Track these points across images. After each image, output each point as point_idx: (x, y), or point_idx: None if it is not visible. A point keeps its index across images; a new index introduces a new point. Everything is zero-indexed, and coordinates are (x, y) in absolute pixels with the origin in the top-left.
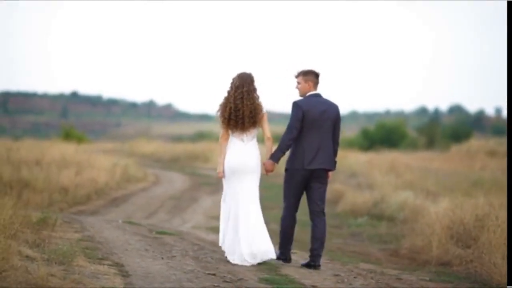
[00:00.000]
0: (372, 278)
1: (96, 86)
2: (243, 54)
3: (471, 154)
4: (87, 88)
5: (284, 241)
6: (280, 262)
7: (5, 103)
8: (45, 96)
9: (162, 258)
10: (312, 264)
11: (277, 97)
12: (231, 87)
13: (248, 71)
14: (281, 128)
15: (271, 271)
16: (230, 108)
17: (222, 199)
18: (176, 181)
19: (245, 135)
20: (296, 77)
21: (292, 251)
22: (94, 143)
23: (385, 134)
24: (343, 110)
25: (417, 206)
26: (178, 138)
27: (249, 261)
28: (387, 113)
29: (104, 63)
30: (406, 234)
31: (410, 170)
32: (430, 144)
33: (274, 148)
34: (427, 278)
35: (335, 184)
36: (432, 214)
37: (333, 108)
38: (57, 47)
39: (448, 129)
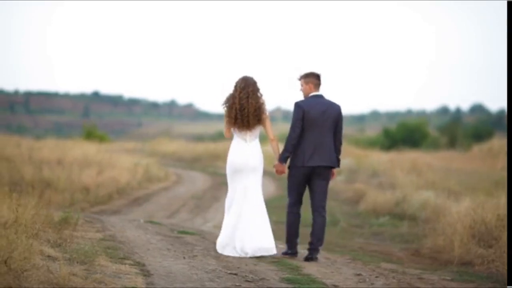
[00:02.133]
0: (393, 277)
1: (118, 86)
2: (263, 54)
3: (492, 154)
4: (108, 88)
5: (290, 236)
6: (287, 256)
7: (27, 103)
8: (66, 96)
9: (184, 258)
10: (309, 257)
11: (300, 98)
12: (236, 89)
13: (250, 75)
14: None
15: (293, 270)
16: (236, 108)
17: (227, 198)
18: (198, 181)
19: (248, 135)
20: (299, 80)
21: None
22: (116, 142)
23: (406, 133)
24: (365, 110)
25: (438, 206)
26: (199, 138)
27: (248, 255)
28: (409, 112)
29: (125, 63)
30: (428, 234)
31: (431, 169)
32: (452, 143)
33: (280, 146)
34: (449, 278)
35: (356, 184)
36: (453, 213)
37: (334, 108)
38: (79, 47)
39: (470, 128)
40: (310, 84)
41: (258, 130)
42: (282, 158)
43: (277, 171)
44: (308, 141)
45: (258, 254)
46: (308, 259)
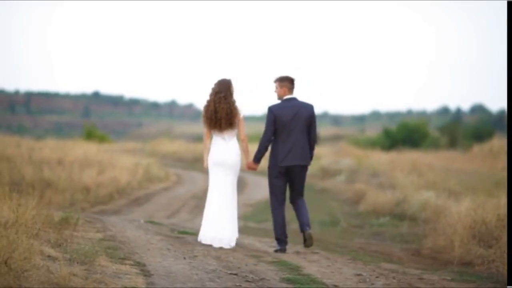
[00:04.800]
0: (394, 278)
1: (118, 86)
2: (263, 54)
3: (493, 154)
4: (109, 88)
5: (277, 233)
6: (278, 252)
7: (27, 103)
8: (67, 96)
9: (184, 258)
10: (306, 243)
11: (300, 98)
12: (212, 92)
13: (227, 78)
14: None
15: (293, 270)
16: (211, 110)
17: (208, 190)
18: (198, 181)
19: (225, 134)
20: (274, 82)
21: (315, 251)
22: (116, 143)
23: (407, 133)
24: (366, 110)
25: (439, 206)
26: (199, 138)
27: (214, 245)
28: (409, 112)
29: (126, 63)
30: (428, 234)
31: (432, 170)
32: (452, 143)
33: (250, 147)
34: (449, 278)
35: (357, 184)
36: (454, 214)
37: (306, 109)
38: (79, 47)
39: (470, 128)
40: (285, 88)
41: (235, 130)
42: (256, 158)
43: (248, 168)
44: (283, 142)
45: (218, 245)
46: (307, 245)
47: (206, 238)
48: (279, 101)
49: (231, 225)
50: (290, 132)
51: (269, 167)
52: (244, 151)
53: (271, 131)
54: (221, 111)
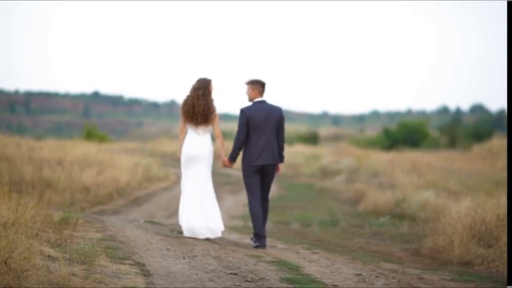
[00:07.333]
0: (393, 277)
1: (118, 86)
2: (263, 54)
3: (493, 154)
4: (108, 88)
5: (256, 227)
6: (258, 248)
7: (27, 103)
8: (67, 96)
9: (184, 258)
10: (259, 245)
11: (300, 98)
12: (191, 89)
13: (207, 77)
14: (303, 127)
15: (292, 270)
16: (189, 105)
17: (181, 184)
18: None
19: (200, 129)
20: (246, 84)
21: (315, 251)
22: (116, 142)
23: (406, 133)
24: (365, 110)
25: (439, 206)
26: None
27: (200, 236)
28: (409, 112)
29: (126, 63)
30: (428, 234)
31: (431, 169)
32: (452, 143)
33: (225, 142)
34: (449, 278)
35: (356, 184)
36: (454, 213)
37: (276, 111)
38: (79, 47)
39: (470, 128)
40: (256, 91)
41: (209, 126)
42: (231, 157)
43: (224, 165)
44: (255, 143)
45: (205, 236)
46: (258, 247)
47: (191, 230)
48: (250, 103)
49: (215, 214)
50: (262, 133)
51: (242, 166)
52: (219, 147)
53: (244, 132)
54: (198, 106)
